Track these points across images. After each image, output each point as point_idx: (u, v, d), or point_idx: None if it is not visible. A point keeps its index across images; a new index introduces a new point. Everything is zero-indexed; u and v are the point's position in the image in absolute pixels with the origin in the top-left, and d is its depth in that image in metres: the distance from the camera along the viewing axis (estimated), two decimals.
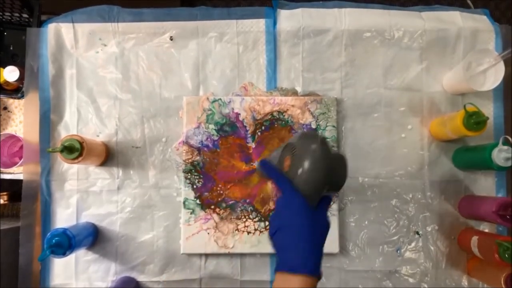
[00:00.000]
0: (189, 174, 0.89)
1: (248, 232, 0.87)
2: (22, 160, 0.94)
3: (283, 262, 0.52)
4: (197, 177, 0.89)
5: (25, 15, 1.00)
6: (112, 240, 0.90)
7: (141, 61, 0.93)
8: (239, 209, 0.88)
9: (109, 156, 0.91)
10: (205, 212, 0.88)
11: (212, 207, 0.88)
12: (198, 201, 0.88)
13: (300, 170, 0.54)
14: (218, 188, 0.88)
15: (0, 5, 0.97)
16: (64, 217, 0.90)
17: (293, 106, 0.90)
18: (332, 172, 0.55)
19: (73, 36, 0.92)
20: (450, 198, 0.90)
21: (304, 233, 0.52)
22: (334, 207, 0.88)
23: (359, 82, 0.92)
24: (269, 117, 0.90)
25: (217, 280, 0.89)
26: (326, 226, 0.55)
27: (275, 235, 0.54)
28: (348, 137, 0.92)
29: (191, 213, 0.88)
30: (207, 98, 0.90)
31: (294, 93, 0.92)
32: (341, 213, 0.89)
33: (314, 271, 0.50)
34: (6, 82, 0.94)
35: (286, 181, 0.56)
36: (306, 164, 0.54)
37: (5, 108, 1.02)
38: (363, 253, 0.89)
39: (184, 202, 0.88)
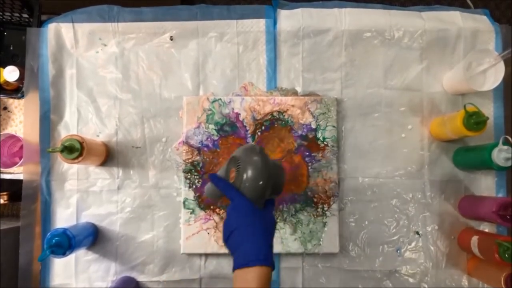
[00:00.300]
0: (189, 174, 0.89)
1: None
2: (22, 160, 0.94)
3: (237, 259, 0.56)
4: (197, 177, 0.89)
5: (25, 15, 1.00)
6: (112, 240, 0.90)
7: (141, 61, 0.93)
8: None
9: (109, 156, 0.91)
10: (205, 212, 0.88)
11: (212, 207, 0.88)
12: (198, 201, 0.88)
13: (244, 178, 0.62)
14: None
15: (0, 5, 0.97)
16: (64, 217, 0.90)
17: (293, 106, 0.90)
18: (273, 178, 0.63)
19: (73, 36, 0.92)
20: (450, 198, 0.90)
21: (254, 229, 0.58)
22: (334, 207, 0.88)
23: (359, 82, 0.92)
24: (269, 117, 0.90)
25: (217, 280, 0.89)
26: (273, 223, 0.63)
27: (229, 238, 0.59)
28: (348, 137, 0.92)
29: (191, 213, 0.88)
30: (207, 98, 0.90)
31: (294, 93, 0.92)
32: (341, 213, 0.89)
33: (267, 261, 0.55)
34: (6, 82, 0.94)
35: (234, 189, 0.62)
36: (250, 173, 0.61)
37: (5, 108, 1.02)
38: (363, 253, 0.89)
39: (184, 202, 0.88)
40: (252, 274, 0.54)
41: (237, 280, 0.55)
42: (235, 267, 0.56)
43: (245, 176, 0.61)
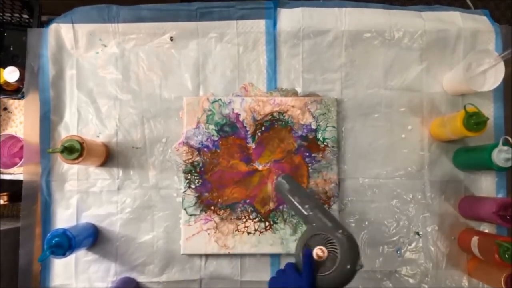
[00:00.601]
0: (189, 174, 0.89)
1: (248, 233, 0.87)
2: (22, 160, 0.94)
3: None
4: (197, 177, 0.89)
5: (25, 16, 1.00)
6: (112, 241, 0.90)
7: (141, 62, 0.93)
8: (239, 209, 0.88)
9: (109, 156, 0.91)
10: (205, 212, 0.88)
11: (212, 207, 0.88)
12: (198, 202, 0.88)
13: (331, 276, 0.60)
14: (217, 189, 0.88)
15: (0, 6, 0.97)
16: (64, 217, 0.90)
17: (293, 106, 0.90)
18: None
19: (73, 37, 0.92)
20: (450, 199, 0.90)
21: None
22: (334, 207, 0.88)
23: (359, 83, 0.92)
24: (269, 117, 0.90)
25: (217, 281, 0.89)
26: None
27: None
28: (348, 137, 0.92)
29: (191, 214, 0.88)
30: (207, 99, 0.90)
31: (294, 93, 0.92)
32: (341, 214, 0.89)
33: None
34: (7, 83, 0.94)
35: (311, 269, 0.61)
36: (340, 277, 0.60)
37: (5, 109, 1.02)
38: (363, 253, 0.89)
39: (183, 203, 0.88)
40: None
41: None
42: None
43: (340, 267, 0.60)
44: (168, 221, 0.90)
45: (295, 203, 0.71)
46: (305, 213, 0.69)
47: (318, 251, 0.61)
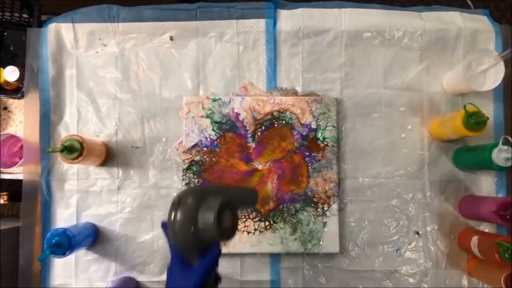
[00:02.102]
0: (189, 174, 0.89)
1: (248, 232, 0.87)
2: (22, 160, 0.94)
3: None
4: (197, 177, 0.89)
5: (25, 15, 0.99)
6: (112, 240, 0.90)
7: (141, 61, 0.93)
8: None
9: (109, 156, 0.91)
10: None
11: None
12: None
13: (172, 226, 0.53)
14: None
15: (0, 5, 0.97)
16: (64, 217, 0.90)
17: (293, 106, 0.90)
18: (200, 224, 0.53)
19: (73, 36, 0.92)
20: (450, 198, 0.90)
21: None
22: (334, 207, 0.88)
23: (359, 82, 0.92)
24: (269, 117, 0.90)
25: None
26: (206, 280, 0.54)
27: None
28: (348, 137, 0.92)
29: None
30: (207, 98, 0.90)
31: (294, 93, 0.92)
32: (341, 213, 0.89)
33: None
34: (6, 82, 0.94)
35: (169, 239, 0.56)
36: (173, 217, 0.53)
37: (5, 108, 1.02)
38: (363, 253, 0.89)
39: None
40: None
41: None
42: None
43: (172, 221, 0.53)
44: None
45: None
46: None
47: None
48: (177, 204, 0.54)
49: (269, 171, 0.89)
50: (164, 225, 0.57)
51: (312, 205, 0.88)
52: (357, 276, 0.89)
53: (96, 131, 0.92)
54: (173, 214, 0.53)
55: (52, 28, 0.92)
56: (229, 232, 0.55)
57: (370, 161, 0.91)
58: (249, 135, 0.89)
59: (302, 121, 0.89)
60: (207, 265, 0.54)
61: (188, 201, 0.54)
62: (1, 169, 0.96)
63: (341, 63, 0.92)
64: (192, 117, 0.90)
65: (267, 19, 0.92)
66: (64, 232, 0.77)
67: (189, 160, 0.89)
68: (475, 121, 0.78)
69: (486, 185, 0.91)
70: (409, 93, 0.92)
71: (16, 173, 0.99)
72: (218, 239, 0.55)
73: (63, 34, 0.92)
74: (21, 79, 0.93)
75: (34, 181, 0.90)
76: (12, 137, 0.98)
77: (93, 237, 0.88)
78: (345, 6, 0.93)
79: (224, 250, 0.87)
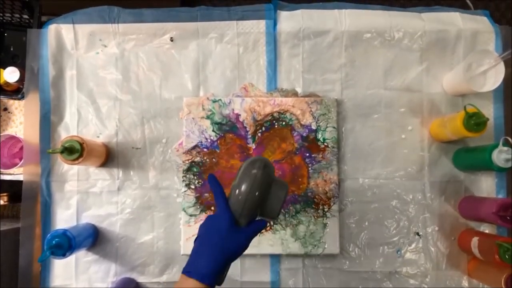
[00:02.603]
0: (189, 175, 0.89)
1: None
2: (22, 161, 0.94)
3: (187, 264, 0.58)
4: (197, 178, 0.89)
5: (25, 16, 1.00)
6: (112, 241, 0.90)
7: (141, 62, 0.93)
8: None
9: (109, 157, 0.91)
10: (205, 213, 0.88)
11: (213, 208, 0.88)
12: (198, 202, 0.88)
13: (236, 191, 0.59)
14: None
15: (0, 6, 0.97)
16: (64, 218, 0.90)
17: (293, 107, 0.90)
18: (268, 198, 0.61)
19: (74, 37, 0.92)
20: (450, 199, 0.90)
21: (215, 247, 0.57)
22: (334, 208, 0.88)
23: (359, 83, 0.92)
24: (270, 118, 0.90)
25: None
26: (242, 247, 0.59)
27: (195, 240, 0.60)
28: (348, 138, 0.92)
29: (191, 214, 0.88)
30: (208, 99, 0.90)
31: (294, 94, 0.92)
32: (341, 214, 0.89)
33: (206, 279, 0.55)
34: (7, 83, 0.94)
35: (222, 198, 0.61)
36: (243, 186, 0.59)
37: (5, 109, 1.02)
38: (363, 254, 0.89)
39: (183, 203, 0.88)
40: (187, 284, 0.55)
41: (178, 282, 0.57)
42: (182, 271, 0.57)
43: (237, 188, 0.59)
44: (168, 221, 0.90)
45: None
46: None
47: (232, 182, 0.62)
48: (263, 167, 0.60)
49: None
50: (212, 177, 0.63)
51: (313, 206, 0.88)
52: (357, 277, 0.89)
53: (96, 132, 0.92)
54: (254, 171, 0.59)
55: (52, 29, 0.92)
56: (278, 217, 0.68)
57: (370, 162, 0.91)
58: (249, 136, 0.89)
59: (302, 122, 0.89)
60: (254, 231, 0.60)
61: (269, 173, 0.61)
62: (1, 170, 0.96)
63: (341, 64, 0.92)
64: (192, 118, 0.90)
65: (267, 20, 0.92)
66: (64, 233, 0.77)
67: (189, 161, 0.89)
68: (475, 122, 0.78)
69: (486, 186, 0.91)
70: (409, 94, 0.92)
71: (16, 174, 0.99)
72: (272, 220, 0.66)
73: (63, 35, 0.92)
74: (21, 80, 0.93)
75: (34, 182, 0.90)
76: (12, 138, 0.98)
77: (93, 238, 0.88)
78: (345, 7, 0.93)
79: None
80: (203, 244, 0.58)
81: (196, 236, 0.61)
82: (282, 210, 0.88)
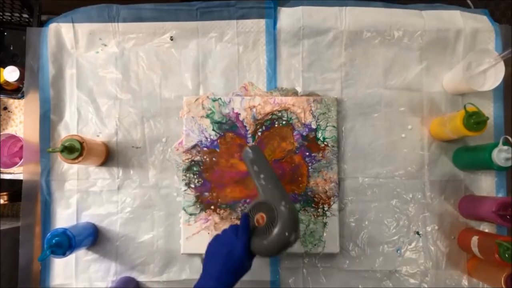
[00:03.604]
0: (189, 174, 0.89)
1: None
2: (22, 160, 0.94)
3: (200, 279, 0.66)
4: (197, 177, 0.89)
5: (25, 15, 1.00)
6: (112, 240, 0.90)
7: (141, 61, 0.93)
8: (239, 209, 0.88)
9: (109, 156, 0.91)
10: (205, 212, 0.88)
11: (212, 207, 0.88)
12: (198, 201, 0.88)
13: (267, 241, 0.64)
14: (217, 189, 0.88)
15: (0, 5, 0.97)
16: (64, 217, 0.90)
17: (293, 106, 0.90)
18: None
19: (73, 36, 0.92)
20: (450, 198, 0.90)
21: (228, 274, 0.64)
22: (334, 207, 0.88)
23: (359, 82, 0.92)
24: (270, 117, 0.90)
25: None
26: (246, 270, 0.67)
27: (207, 255, 0.68)
28: (348, 137, 0.92)
29: (191, 213, 0.88)
30: (207, 98, 0.90)
31: (294, 93, 0.92)
32: (341, 213, 0.89)
33: None
34: (6, 82, 0.94)
35: (248, 232, 0.67)
36: (275, 249, 0.64)
37: (5, 108, 1.02)
38: (363, 253, 0.89)
39: (183, 202, 0.88)
40: None
41: None
42: (195, 285, 0.65)
43: (271, 237, 0.64)
44: (168, 220, 0.90)
45: (253, 171, 0.74)
46: (259, 182, 0.72)
47: (259, 217, 0.66)
48: (295, 238, 0.65)
49: None
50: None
51: (313, 205, 0.88)
52: (357, 276, 0.89)
53: (96, 131, 0.92)
54: (290, 240, 0.64)
55: (52, 28, 0.92)
56: None
57: (370, 161, 0.91)
58: (249, 135, 0.89)
59: (302, 121, 0.89)
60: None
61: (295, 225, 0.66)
62: (1, 169, 0.96)
63: (341, 63, 0.92)
64: (192, 117, 0.90)
65: (267, 19, 0.92)
66: (64, 232, 0.77)
67: (189, 160, 0.89)
68: (475, 121, 0.78)
69: (486, 185, 0.91)
70: (409, 93, 0.92)
71: (16, 173, 0.99)
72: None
73: (63, 34, 0.92)
74: (21, 79, 0.93)
75: (34, 181, 0.90)
76: (12, 137, 0.98)
77: (93, 237, 0.88)
78: (346, 4, 0.93)
79: None
80: (215, 264, 0.65)
81: (208, 247, 0.68)
82: None
